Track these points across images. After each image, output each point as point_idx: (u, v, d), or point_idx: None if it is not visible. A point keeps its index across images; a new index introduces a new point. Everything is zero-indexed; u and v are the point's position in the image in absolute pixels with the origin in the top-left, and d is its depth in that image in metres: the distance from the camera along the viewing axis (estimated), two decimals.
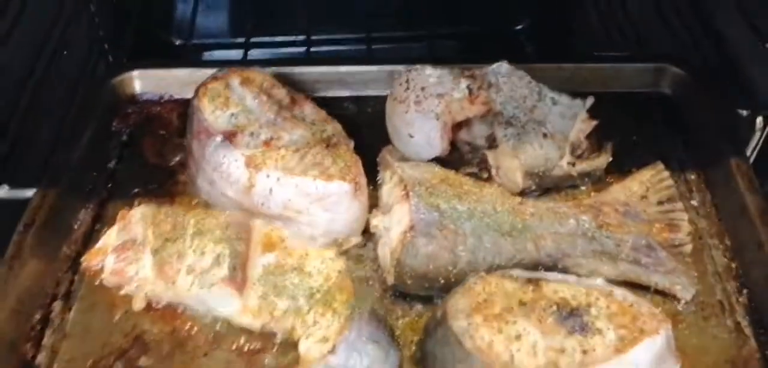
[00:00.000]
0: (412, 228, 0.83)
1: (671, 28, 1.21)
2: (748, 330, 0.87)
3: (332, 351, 0.74)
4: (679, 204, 0.97)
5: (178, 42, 1.47)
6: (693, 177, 1.04)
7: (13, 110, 1.05)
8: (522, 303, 0.77)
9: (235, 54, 1.48)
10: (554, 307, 0.77)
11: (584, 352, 0.75)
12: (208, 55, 1.50)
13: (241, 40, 1.47)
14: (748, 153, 1.00)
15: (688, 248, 0.93)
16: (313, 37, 1.41)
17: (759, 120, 0.99)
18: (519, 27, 1.50)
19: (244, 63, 1.06)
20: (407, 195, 0.86)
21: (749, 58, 1.02)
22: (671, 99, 1.15)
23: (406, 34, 1.42)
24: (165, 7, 1.53)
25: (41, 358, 0.82)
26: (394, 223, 0.86)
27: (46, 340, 0.83)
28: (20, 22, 1.07)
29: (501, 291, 0.78)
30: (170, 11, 1.53)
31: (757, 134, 0.99)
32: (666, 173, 1.00)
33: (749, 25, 1.00)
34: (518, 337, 0.75)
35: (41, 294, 0.87)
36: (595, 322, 0.77)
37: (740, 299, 0.90)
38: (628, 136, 1.08)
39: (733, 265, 0.93)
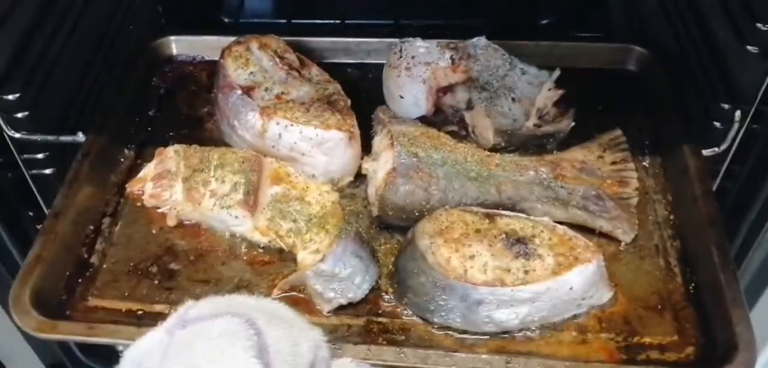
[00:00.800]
0: (394, 170, 1.01)
1: (674, 28, 1.28)
2: (676, 270, 1.01)
3: (322, 260, 0.93)
4: (631, 165, 1.11)
5: (227, 20, 1.57)
6: (647, 142, 1.17)
7: (86, 74, 1.24)
8: (477, 231, 0.94)
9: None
10: (504, 236, 0.94)
11: (526, 272, 0.91)
12: None
13: (282, 21, 1.55)
14: (727, 143, 1.06)
15: (634, 201, 1.08)
16: (348, 21, 1.50)
17: (737, 113, 1.04)
18: (544, 21, 1.56)
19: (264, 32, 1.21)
20: (392, 143, 1.04)
21: (732, 57, 1.08)
22: (635, 75, 1.28)
23: (431, 22, 1.46)
24: None
25: (94, 259, 1.02)
26: (380, 166, 1.04)
27: (98, 246, 1.03)
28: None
29: (461, 221, 0.95)
30: None
31: (736, 126, 1.04)
32: (623, 138, 1.14)
33: (732, 27, 1.06)
34: (472, 257, 0.92)
35: (94, 211, 1.07)
36: (537, 249, 0.93)
37: (674, 244, 1.04)
38: (593, 106, 1.21)
39: (672, 217, 1.07)
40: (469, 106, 1.13)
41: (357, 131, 1.07)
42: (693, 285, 1.00)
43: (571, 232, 0.96)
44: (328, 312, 0.95)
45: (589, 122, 1.17)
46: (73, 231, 1.03)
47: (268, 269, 1.00)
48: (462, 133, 1.15)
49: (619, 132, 1.16)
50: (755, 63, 1.00)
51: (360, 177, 1.10)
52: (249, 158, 1.01)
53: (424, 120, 1.14)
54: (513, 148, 1.14)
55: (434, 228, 0.94)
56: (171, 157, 1.05)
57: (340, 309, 0.96)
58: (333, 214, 0.98)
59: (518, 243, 0.93)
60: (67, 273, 1.00)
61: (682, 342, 0.94)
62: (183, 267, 1.01)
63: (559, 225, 0.97)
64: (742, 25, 1.02)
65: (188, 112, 1.22)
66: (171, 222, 1.03)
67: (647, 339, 0.95)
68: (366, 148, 1.11)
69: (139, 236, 1.04)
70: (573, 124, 1.16)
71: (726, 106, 1.05)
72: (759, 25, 0.97)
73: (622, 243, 1.05)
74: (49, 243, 0.99)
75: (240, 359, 0.64)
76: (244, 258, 1.01)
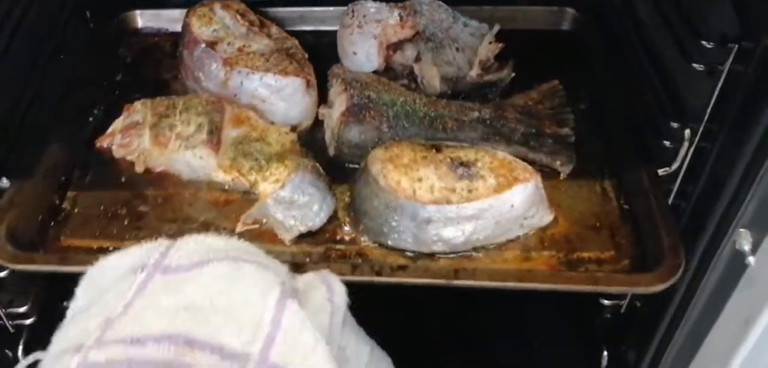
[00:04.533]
0: (347, 110, 1.09)
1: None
2: (612, 195, 1.10)
3: (282, 187, 1.00)
4: (568, 108, 1.22)
5: None
6: (583, 91, 1.26)
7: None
8: (424, 158, 1.02)
9: None
10: (449, 161, 1.02)
11: (470, 191, 0.99)
12: None
13: None
14: (678, 163, 1.06)
15: (572, 139, 1.18)
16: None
17: (687, 132, 1.03)
18: None
19: None
20: (346, 88, 1.12)
21: (680, 76, 1.08)
22: (570, 34, 1.38)
23: None
24: None
25: (65, 205, 1.08)
26: (335, 110, 1.12)
27: (69, 194, 1.09)
28: None
29: (410, 149, 1.03)
30: None
31: (685, 144, 1.04)
32: (560, 87, 1.23)
33: (678, 46, 1.06)
34: (420, 180, 0.99)
35: (64, 166, 1.12)
36: (480, 172, 1.01)
37: (608, 172, 1.13)
38: (533, 62, 1.28)
39: (607, 151, 1.18)
40: (417, 59, 1.22)
41: (314, 80, 1.15)
42: (627, 206, 1.09)
43: (511, 158, 1.05)
44: (290, 241, 1.02)
45: (529, 78, 1.25)
46: (45, 182, 1.09)
47: (232, 207, 1.06)
48: (412, 86, 1.23)
49: (556, 82, 1.24)
50: (701, 81, 0.99)
51: (317, 125, 1.18)
52: (212, 101, 1.08)
53: (376, 75, 1.22)
54: (458, 96, 1.22)
55: (385, 155, 1.02)
56: (138, 110, 1.12)
57: (301, 239, 1.02)
58: (291, 151, 1.06)
59: (462, 166, 1.01)
60: (40, 218, 1.05)
61: (618, 256, 1.03)
62: (151, 209, 1.07)
63: (500, 152, 1.06)
64: (687, 43, 1.01)
65: (154, 76, 1.29)
66: (139, 168, 1.09)
67: (586, 254, 1.03)
68: (323, 100, 1.18)
69: (109, 184, 1.10)
70: (513, 74, 1.25)
71: (675, 125, 1.05)
72: (703, 42, 0.96)
73: (562, 175, 1.13)
74: (21, 191, 1.05)
75: (244, 292, 0.71)
76: (209, 198, 1.08)
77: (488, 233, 1.01)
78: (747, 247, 0.96)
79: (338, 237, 1.04)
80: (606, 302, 1.25)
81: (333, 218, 1.05)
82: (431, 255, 1.01)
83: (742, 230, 0.96)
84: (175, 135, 1.06)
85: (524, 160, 1.11)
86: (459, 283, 0.96)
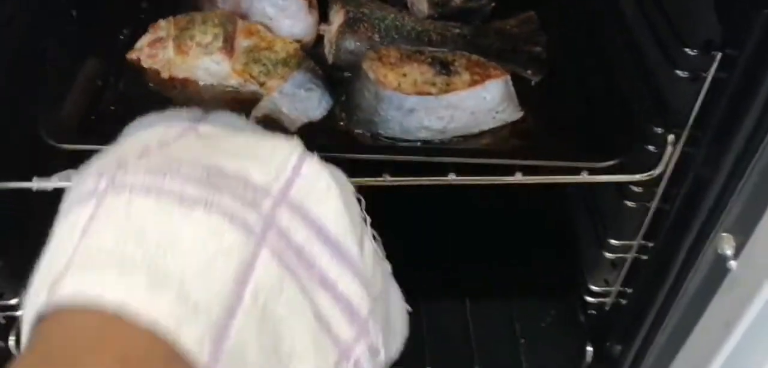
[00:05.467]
0: (344, 23, 1.25)
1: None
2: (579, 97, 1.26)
3: (286, 81, 1.16)
4: (542, 32, 1.38)
5: None
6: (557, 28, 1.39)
7: None
8: (409, 58, 1.18)
9: None
10: (430, 60, 1.18)
11: (448, 85, 1.14)
12: None
13: None
14: (662, 168, 1.10)
15: (544, 56, 1.33)
16: None
17: (671, 137, 1.06)
18: None
19: None
20: (343, 6, 1.28)
21: (664, 80, 1.11)
22: None
23: None
24: None
25: (102, 104, 1.24)
26: (334, 23, 1.28)
27: (106, 95, 1.25)
28: None
29: (396, 52, 1.18)
30: None
31: (669, 149, 1.08)
32: (535, 16, 1.40)
33: (662, 51, 1.09)
34: (404, 75, 1.15)
35: (100, 74, 1.28)
36: (457, 69, 1.16)
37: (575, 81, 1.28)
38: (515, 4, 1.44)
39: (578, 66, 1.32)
40: None
41: (315, 2, 1.31)
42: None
43: (484, 59, 1.20)
44: (294, 130, 1.18)
45: (508, 14, 1.41)
46: (85, 84, 1.25)
47: (244, 106, 1.21)
48: (404, 11, 1.39)
49: (532, 13, 1.40)
50: (686, 86, 1.01)
51: (319, 42, 1.34)
52: (226, 14, 1.25)
53: None
54: (443, 20, 1.38)
55: (375, 55, 1.18)
56: (162, 26, 1.28)
57: (303, 128, 1.18)
58: (295, 56, 1.22)
59: (441, 65, 1.17)
60: (82, 114, 1.22)
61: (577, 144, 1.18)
62: (176, 107, 1.23)
63: (474, 55, 1.21)
64: (672, 49, 1.04)
65: (174, 3, 1.45)
66: (165, 74, 1.25)
67: (556, 142, 1.18)
68: (324, 21, 1.34)
69: (140, 88, 1.26)
70: (494, 3, 1.41)
71: (659, 130, 1.07)
72: (687, 49, 0.99)
73: (532, 81, 1.28)
74: (66, 90, 1.22)
75: (273, 145, 0.79)
76: (224, 98, 1.23)
77: (465, 122, 1.16)
78: (729, 251, 1.02)
79: (335, 129, 1.19)
80: (591, 299, 1.41)
81: (331, 113, 1.21)
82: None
83: (724, 234, 1.03)
84: (195, 44, 1.22)
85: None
86: (436, 159, 1.12)
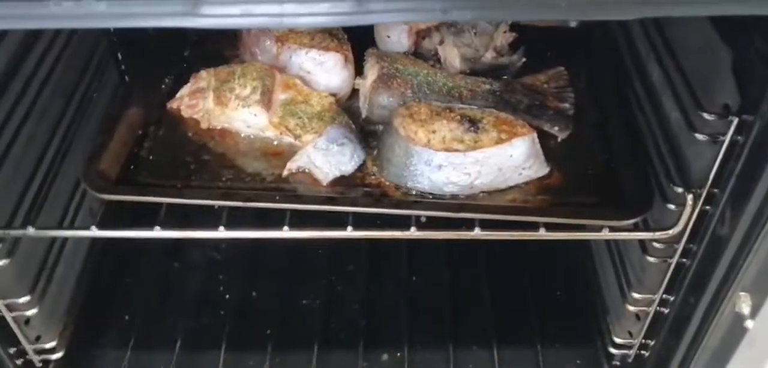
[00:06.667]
0: (378, 78, 1.30)
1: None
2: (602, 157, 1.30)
3: (321, 136, 1.21)
4: (570, 88, 1.41)
5: None
6: (584, 83, 1.44)
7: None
8: (439, 115, 1.22)
9: None
10: (459, 117, 1.22)
11: (475, 142, 1.19)
12: None
13: None
14: (681, 227, 1.11)
15: (571, 112, 1.37)
16: None
17: (689, 197, 1.08)
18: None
19: None
20: (378, 62, 1.33)
21: (684, 142, 1.12)
22: (576, 31, 1.57)
23: None
24: None
25: (142, 152, 1.30)
26: (368, 78, 1.33)
27: (146, 144, 1.31)
28: None
29: (427, 109, 1.23)
30: None
31: (688, 209, 1.09)
32: (565, 72, 1.43)
33: (683, 114, 1.11)
34: (434, 132, 1.19)
35: (141, 122, 1.34)
36: (485, 127, 1.21)
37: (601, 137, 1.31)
38: (543, 54, 1.48)
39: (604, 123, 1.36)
40: (441, 42, 1.43)
41: (351, 56, 1.36)
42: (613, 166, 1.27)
43: (512, 117, 1.24)
44: (326, 183, 1.23)
45: (538, 66, 1.44)
46: (126, 134, 1.31)
47: (280, 158, 1.27)
48: (436, 66, 1.44)
49: (562, 68, 1.44)
50: (704, 148, 1.04)
51: (354, 96, 1.39)
52: (265, 67, 1.31)
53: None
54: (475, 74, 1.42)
55: (407, 112, 1.22)
56: (203, 77, 1.35)
57: (336, 182, 1.23)
58: (330, 110, 1.27)
59: (470, 122, 1.21)
60: (122, 162, 1.28)
61: (601, 201, 1.21)
62: (212, 158, 1.28)
63: (503, 113, 1.25)
64: (691, 113, 1.07)
65: (216, 52, 1.50)
66: (204, 125, 1.31)
67: (576, 200, 1.22)
68: (360, 74, 1.40)
69: (178, 138, 1.32)
70: (524, 59, 1.45)
71: (679, 190, 1.11)
72: (704, 114, 1.03)
73: (559, 138, 1.32)
74: (107, 140, 1.28)
75: None
76: (261, 150, 1.29)
77: (491, 178, 1.20)
78: (746, 310, 1.06)
79: (366, 182, 1.24)
80: (614, 351, 1.44)
81: (363, 166, 1.25)
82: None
83: (741, 293, 1.06)
84: (234, 96, 1.28)
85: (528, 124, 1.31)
86: (464, 215, 1.16)
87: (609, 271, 1.49)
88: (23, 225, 1.17)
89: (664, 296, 1.29)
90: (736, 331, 1.11)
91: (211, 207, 1.19)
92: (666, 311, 1.30)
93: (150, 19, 0.77)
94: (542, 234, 1.15)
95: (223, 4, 0.76)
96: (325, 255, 1.68)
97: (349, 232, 1.16)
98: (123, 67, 1.49)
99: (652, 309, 1.33)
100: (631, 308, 1.37)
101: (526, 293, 1.60)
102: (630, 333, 1.44)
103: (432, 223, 1.18)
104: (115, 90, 1.46)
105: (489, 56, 1.41)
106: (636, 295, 1.34)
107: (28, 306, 1.29)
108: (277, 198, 1.19)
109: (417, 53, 1.45)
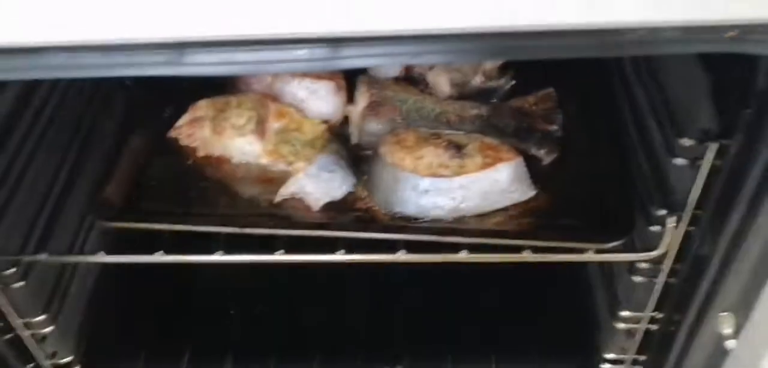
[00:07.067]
0: (368, 105, 1.34)
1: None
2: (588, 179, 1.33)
3: (312, 164, 1.26)
4: (558, 110, 1.44)
5: None
6: (574, 104, 1.45)
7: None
8: (425, 141, 1.26)
9: None
10: (446, 143, 1.26)
11: (461, 167, 1.22)
12: None
13: None
14: (663, 249, 1.13)
15: (558, 134, 1.40)
16: None
17: (671, 219, 1.10)
18: None
19: None
20: (368, 89, 1.37)
21: (666, 165, 1.13)
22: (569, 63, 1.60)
23: None
24: None
25: (145, 180, 1.34)
26: (359, 105, 1.37)
27: (148, 172, 1.36)
28: None
29: (414, 136, 1.27)
30: None
31: (670, 231, 1.10)
32: (554, 93, 1.47)
33: (664, 139, 1.13)
34: (420, 158, 1.22)
35: (145, 151, 1.41)
36: (470, 152, 1.25)
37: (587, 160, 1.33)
38: (533, 75, 1.50)
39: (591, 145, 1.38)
40: (430, 68, 1.47)
41: (343, 84, 1.40)
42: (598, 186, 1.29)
43: (497, 142, 1.28)
44: (317, 209, 1.27)
45: (527, 88, 1.47)
46: (131, 162, 1.37)
47: (273, 184, 1.31)
48: (426, 91, 1.48)
49: (551, 90, 1.47)
50: (685, 172, 1.06)
51: (346, 122, 1.43)
52: (259, 99, 1.35)
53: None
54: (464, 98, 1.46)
55: (394, 139, 1.26)
56: (201, 107, 1.40)
57: (327, 207, 1.27)
58: (321, 137, 1.32)
59: (455, 148, 1.25)
60: (126, 190, 1.33)
61: (587, 223, 1.24)
62: (210, 184, 1.33)
63: (488, 138, 1.29)
64: (670, 137, 1.09)
65: (212, 83, 1.53)
66: (201, 153, 1.36)
67: (565, 221, 1.25)
68: (351, 102, 1.44)
69: (178, 166, 1.37)
70: (513, 82, 1.48)
71: (662, 212, 1.12)
72: (683, 140, 1.04)
73: (544, 162, 1.35)
74: (113, 170, 1.33)
75: None
76: (255, 176, 1.33)
77: (477, 202, 1.23)
78: (728, 331, 1.08)
79: (357, 206, 1.28)
80: (607, 367, 1.47)
81: (352, 192, 1.29)
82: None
83: (723, 314, 1.08)
84: (229, 125, 1.33)
85: (514, 148, 1.34)
86: (450, 240, 1.19)
87: (600, 289, 1.52)
88: (36, 251, 1.23)
89: (653, 314, 1.31)
90: (719, 351, 1.13)
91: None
92: (655, 328, 1.32)
93: (139, 68, 0.81)
94: (527, 256, 1.19)
95: (206, 53, 0.81)
96: (324, 271, 1.72)
97: (339, 257, 1.20)
98: (130, 95, 1.54)
99: (641, 327, 1.35)
100: (620, 326, 1.39)
101: (516, 311, 1.62)
102: (623, 349, 1.46)
103: (420, 247, 1.22)
104: (122, 118, 1.51)
105: (478, 80, 1.45)
106: (625, 313, 1.36)
107: (44, 324, 1.34)
108: (271, 223, 1.24)
109: (408, 77, 1.48)
